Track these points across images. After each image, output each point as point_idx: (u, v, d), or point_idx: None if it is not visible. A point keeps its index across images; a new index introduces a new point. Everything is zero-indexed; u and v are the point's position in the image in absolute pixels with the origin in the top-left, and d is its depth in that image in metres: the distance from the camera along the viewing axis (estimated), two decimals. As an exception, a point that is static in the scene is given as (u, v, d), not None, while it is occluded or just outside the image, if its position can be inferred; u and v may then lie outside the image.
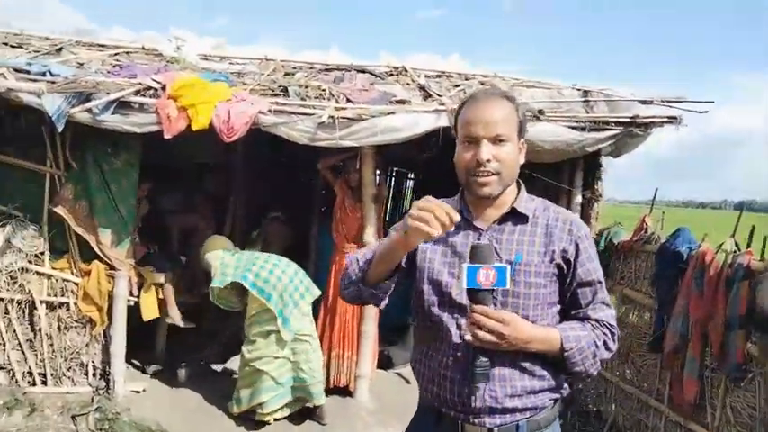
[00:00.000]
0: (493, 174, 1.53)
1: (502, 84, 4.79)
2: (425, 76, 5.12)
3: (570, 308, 1.61)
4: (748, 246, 3.23)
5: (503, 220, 1.60)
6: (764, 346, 2.93)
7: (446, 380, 1.56)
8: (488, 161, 1.51)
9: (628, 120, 4.19)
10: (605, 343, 1.57)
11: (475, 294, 1.43)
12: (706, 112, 4.08)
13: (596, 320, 1.58)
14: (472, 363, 1.46)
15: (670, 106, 4.24)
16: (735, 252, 3.22)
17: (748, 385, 3.10)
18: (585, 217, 4.62)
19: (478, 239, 1.57)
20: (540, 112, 3.99)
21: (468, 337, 1.44)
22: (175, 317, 4.89)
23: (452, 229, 1.38)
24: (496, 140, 1.52)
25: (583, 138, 4.11)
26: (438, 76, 5.31)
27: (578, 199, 4.59)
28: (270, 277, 4.06)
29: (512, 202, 1.61)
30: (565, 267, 1.57)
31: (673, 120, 4.12)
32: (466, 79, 5.19)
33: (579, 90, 4.70)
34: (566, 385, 1.63)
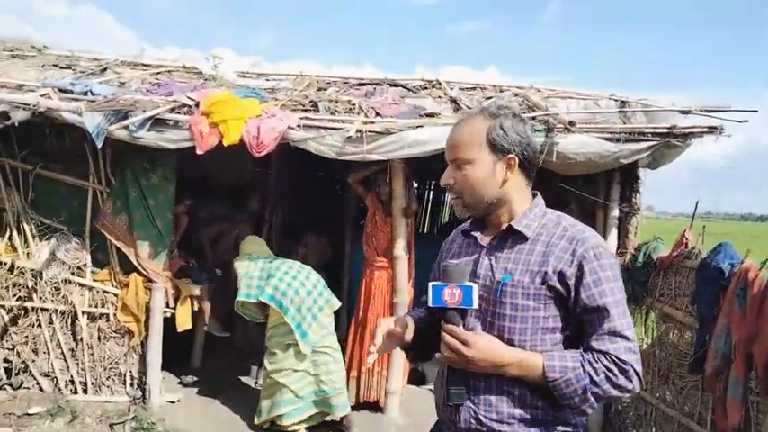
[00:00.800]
0: (456, 197, 1.56)
1: (536, 95, 4.70)
2: (459, 89, 5.08)
3: (580, 336, 1.47)
4: (794, 262, 3.05)
5: (501, 237, 1.55)
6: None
7: (440, 399, 1.59)
8: (448, 185, 1.56)
9: (665, 130, 4.03)
10: (609, 379, 1.37)
11: (444, 313, 1.45)
12: (746, 121, 3.87)
13: (599, 352, 1.39)
14: (447, 381, 1.49)
15: (709, 116, 4.05)
16: (780, 269, 3.04)
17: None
18: (623, 231, 4.45)
19: (479, 257, 1.56)
20: (571, 123, 3.88)
21: (438, 355, 1.45)
22: (213, 326, 5.02)
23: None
24: (455, 163, 1.55)
25: (618, 149, 3.97)
26: (473, 89, 5.27)
27: (615, 212, 4.42)
28: (287, 290, 4.07)
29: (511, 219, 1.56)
30: (564, 291, 1.43)
31: (713, 130, 3.94)
32: (500, 91, 5.12)
33: (616, 101, 4.55)
34: (578, 420, 1.48)
